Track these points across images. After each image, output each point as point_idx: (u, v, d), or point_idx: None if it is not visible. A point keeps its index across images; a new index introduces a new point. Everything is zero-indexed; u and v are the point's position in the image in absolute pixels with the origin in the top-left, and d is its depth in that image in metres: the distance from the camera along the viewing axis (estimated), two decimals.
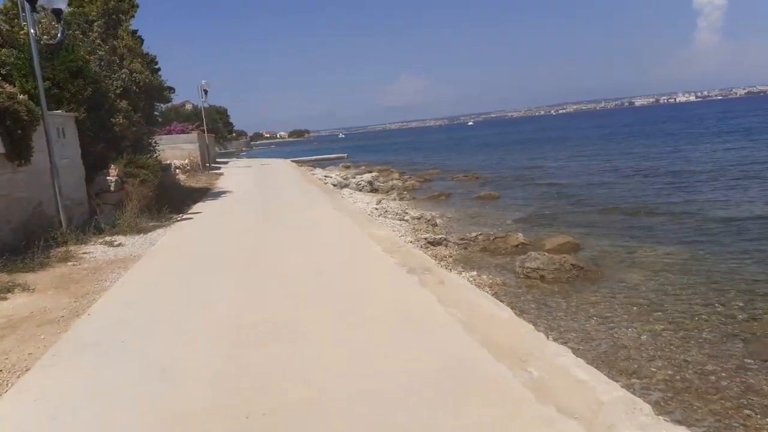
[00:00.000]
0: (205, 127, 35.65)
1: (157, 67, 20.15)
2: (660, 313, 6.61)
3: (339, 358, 4.02)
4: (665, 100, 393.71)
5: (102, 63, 13.88)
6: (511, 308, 6.16)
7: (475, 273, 8.25)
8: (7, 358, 4.37)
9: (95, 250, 8.77)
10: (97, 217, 10.58)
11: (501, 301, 6.30)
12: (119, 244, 9.23)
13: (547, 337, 4.30)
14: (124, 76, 14.47)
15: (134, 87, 14.86)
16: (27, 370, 4.12)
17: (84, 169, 11.62)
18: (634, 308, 6.80)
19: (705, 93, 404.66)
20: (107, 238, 9.51)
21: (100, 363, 4.20)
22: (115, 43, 15.11)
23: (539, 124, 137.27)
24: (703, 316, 6.40)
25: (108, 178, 11.88)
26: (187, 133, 31.59)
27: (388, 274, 6.39)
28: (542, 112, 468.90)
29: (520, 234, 10.53)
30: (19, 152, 8.85)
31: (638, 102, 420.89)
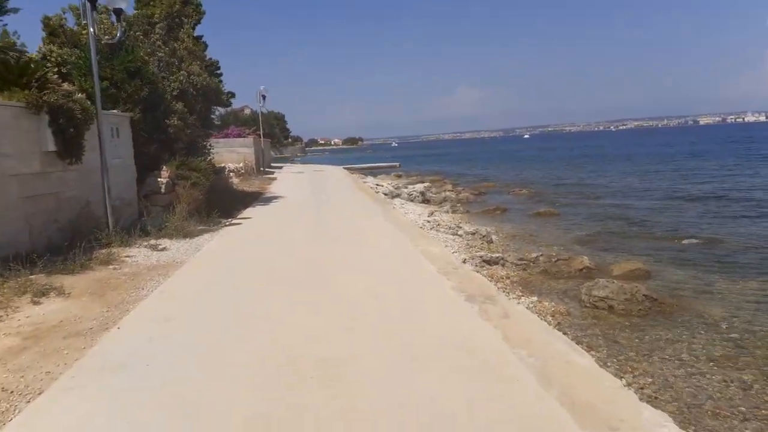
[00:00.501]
0: (261, 132, 35.97)
1: (218, 72, 20.29)
2: (749, 359, 5.81)
3: (390, 403, 3.49)
4: (732, 119, 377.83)
5: (161, 64, 13.90)
6: (577, 342, 5.49)
7: (535, 298, 7.57)
8: (22, 377, 3.99)
9: (138, 254, 8.53)
10: (144, 219, 10.42)
11: (566, 334, 5.64)
12: (163, 249, 8.98)
13: (639, 398, 3.61)
14: (181, 77, 14.45)
15: (191, 89, 14.82)
16: (40, 394, 3.71)
17: (136, 170, 11.53)
18: (718, 351, 6.01)
19: None
20: (152, 242, 9.29)
21: (121, 391, 3.75)
22: (175, 45, 15.14)
23: (599, 140, 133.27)
24: None
25: (159, 179, 11.75)
26: (244, 137, 31.90)
27: (445, 300, 5.80)
28: (601, 128, 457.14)
29: (585, 257, 9.75)
30: (71, 151, 8.74)
31: (703, 120, 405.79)
